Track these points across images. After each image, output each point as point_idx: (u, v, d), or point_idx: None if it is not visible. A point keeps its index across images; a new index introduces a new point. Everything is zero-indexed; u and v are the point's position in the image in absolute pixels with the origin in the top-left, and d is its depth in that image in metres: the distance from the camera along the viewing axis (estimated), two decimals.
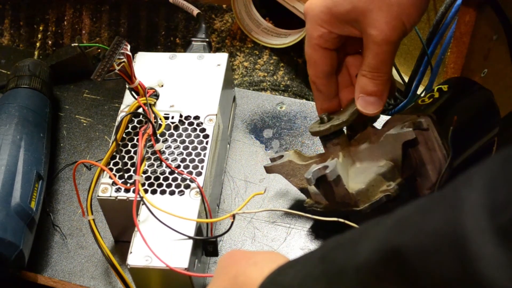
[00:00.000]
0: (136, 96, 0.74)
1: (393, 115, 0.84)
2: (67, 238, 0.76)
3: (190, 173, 0.70)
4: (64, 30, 0.99)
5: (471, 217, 0.35)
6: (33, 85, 0.83)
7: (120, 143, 0.72)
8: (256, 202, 0.77)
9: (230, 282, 0.54)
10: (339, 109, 0.71)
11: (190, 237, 0.65)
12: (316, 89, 0.70)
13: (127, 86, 0.74)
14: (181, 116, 0.74)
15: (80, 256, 0.75)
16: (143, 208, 0.68)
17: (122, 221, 0.71)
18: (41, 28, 0.99)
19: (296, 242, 0.74)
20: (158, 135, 0.72)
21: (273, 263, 0.52)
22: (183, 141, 0.73)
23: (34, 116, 0.79)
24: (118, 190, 0.69)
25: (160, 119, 0.73)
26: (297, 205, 0.76)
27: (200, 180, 0.69)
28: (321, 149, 0.81)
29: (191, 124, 0.74)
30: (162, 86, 0.77)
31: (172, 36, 0.98)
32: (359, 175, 0.68)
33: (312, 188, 0.68)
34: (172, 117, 0.74)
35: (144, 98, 0.73)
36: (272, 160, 0.73)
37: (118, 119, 0.74)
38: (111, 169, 0.71)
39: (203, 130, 0.73)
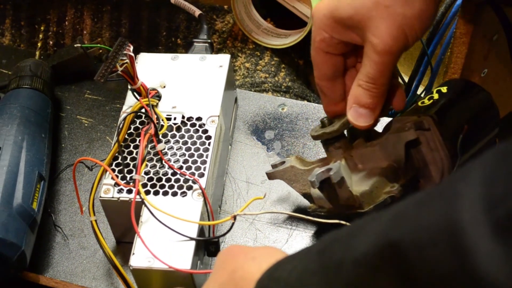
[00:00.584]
0: (139, 97, 0.74)
1: (393, 116, 0.85)
2: (69, 238, 0.76)
3: (193, 174, 0.70)
4: (65, 30, 0.99)
5: (467, 211, 0.35)
6: (35, 86, 0.83)
7: (122, 144, 0.72)
8: (258, 203, 0.77)
9: (228, 276, 0.54)
10: (345, 112, 0.71)
11: (192, 238, 0.65)
12: (321, 91, 0.70)
13: (129, 87, 0.74)
14: (183, 117, 0.74)
15: (81, 257, 0.75)
16: (145, 209, 0.68)
17: (124, 222, 0.71)
18: (42, 28, 0.99)
19: (298, 244, 0.74)
20: (160, 136, 0.72)
21: (271, 258, 0.52)
22: (185, 142, 0.73)
23: (35, 116, 0.79)
24: (120, 191, 0.69)
25: (162, 120, 0.73)
26: (299, 207, 0.76)
27: (202, 181, 0.69)
28: (322, 151, 0.81)
29: (193, 125, 0.74)
30: (164, 87, 0.78)
31: (173, 37, 0.98)
32: (362, 177, 0.68)
33: (316, 193, 0.68)
34: (175, 118, 0.74)
35: (146, 99, 0.73)
36: (274, 166, 0.73)
37: (120, 119, 0.74)
38: (113, 170, 0.71)
39: (205, 131, 0.73)
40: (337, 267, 0.43)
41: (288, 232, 0.75)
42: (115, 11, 0.99)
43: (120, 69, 0.69)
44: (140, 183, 0.68)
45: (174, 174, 0.70)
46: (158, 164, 0.71)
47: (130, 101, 0.76)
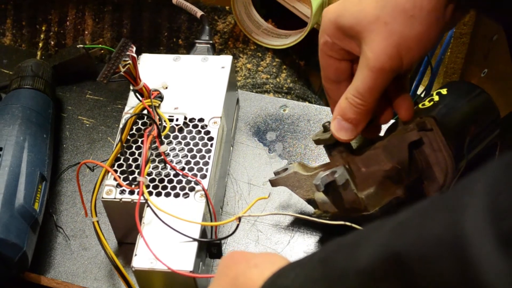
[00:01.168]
0: (141, 98, 0.74)
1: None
2: (70, 239, 0.76)
3: (195, 175, 0.70)
4: (66, 30, 0.99)
5: (472, 223, 0.35)
6: (36, 86, 0.83)
7: (125, 145, 0.72)
8: (260, 205, 0.77)
9: (231, 283, 0.54)
10: None
11: (195, 239, 0.65)
12: (326, 92, 0.69)
13: (131, 88, 0.74)
14: (185, 118, 0.74)
15: (83, 257, 0.75)
16: (147, 210, 0.68)
17: (126, 223, 0.71)
18: (43, 28, 0.98)
19: (300, 245, 0.74)
20: (162, 137, 0.72)
21: (273, 265, 0.52)
22: (187, 144, 0.73)
23: (37, 117, 0.79)
24: (122, 192, 0.69)
25: (165, 121, 0.73)
26: (302, 208, 0.76)
27: (204, 182, 0.69)
28: (324, 153, 0.81)
29: (195, 126, 0.74)
30: (166, 88, 0.77)
31: (175, 37, 0.97)
32: (366, 180, 0.68)
33: (320, 197, 0.68)
34: (177, 119, 0.74)
35: (148, 100, 0.73)
36: (276, 173, 0.73)
37: (123, 121, 0.74)
38: (115, 171, 0.70)
39: (207, 132, 0.73)
40: (340, 277, 0.43)
41: (290, 234, 0.75)
42: (117, 12, 0.98)
43: (122, 70, 0.69)
44: (144, 185, 0.68)
45: (176, 175, 0.70)
46: (160, 165, 0.71)
47: (132, 102, 0.76)
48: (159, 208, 0.66)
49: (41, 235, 0.74)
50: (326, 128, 0.70)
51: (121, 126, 0.74)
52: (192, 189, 0.69)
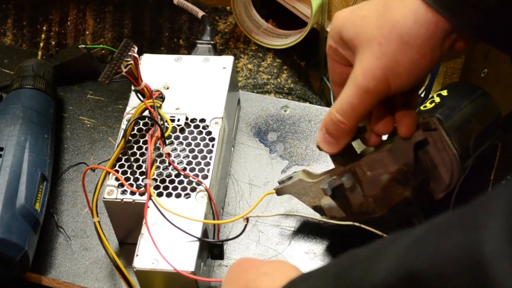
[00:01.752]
0: (142, 98, 0.74)
1: None
2: (71, 239, 0.76)
3: (196, 176, 0.70)
4: (67, 30, 0.99)
5: (491, 243, 0.34)
6: (37, 86, 0.83)
7: (126, 145, 0.72)
8: (262, 206, 0.77)
9: None
10: None
11: (199, 239, 0.65)
12: (333, 94, 0.69)
13: (132, 88, 0.74)
14: (187, 118, 0.74)
15: (84, 257, 0.75)
16: (149, 212, 0.68)
17: (127, 224, 0.71)
18: (44, 28, 0.98)
19: (301, 245, 0.74)
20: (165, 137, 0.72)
21: (283, 273, 0.52)
22: (189, 144, 0.73)
23: (38, 117, 0.79)
24: (124, 192, 0.69)
25: (167, 121, 0.73)
26: (304, 207, 0.75)
27: (206, 183, 0.69)
28: (325, 153, 0.81)
29: (197, 126, 0.74)
30: (167, 88, 0.77)
31: (176, 38, 0.97)
32: (372, 183, 0.67)
33: (327, 203, 0.68)
34: (178, 120, 0.74)
35: (150, 100, 0.73)
36: (281, 182, 0.72)
37: (124, 121, 0.74)
38: (116, 172, 0.70)
39: (209, 133, 0.73)
40: None
41: (291, 234, 0.75)
42: (118, 12, 0.98)
43: (124, 70, 0.69)
44: (152, 187, 0.68)
45: (178, 175, 0.70)
46: (162, 166, 0.71)
47: (134, 102, 0.76)
48: (164, 207, 0.66)
49: (42, 235, 0.74)
50: None
51: (122, 127, 0.74)
52: (193, 189, 0.69)
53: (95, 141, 0.85)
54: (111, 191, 0.69)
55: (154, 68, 0.79)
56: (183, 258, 0.65)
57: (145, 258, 0.65)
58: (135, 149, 0.72)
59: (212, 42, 0.86)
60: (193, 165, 0.71)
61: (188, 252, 0.65)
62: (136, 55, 0.70)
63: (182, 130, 0.74)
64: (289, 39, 0.95)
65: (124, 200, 0.69)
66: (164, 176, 0.70)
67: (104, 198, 0.69)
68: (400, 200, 0.66)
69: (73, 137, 0.85)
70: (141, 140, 0.73)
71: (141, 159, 0.72)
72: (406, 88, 0.61)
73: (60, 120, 0.87)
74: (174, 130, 0.74)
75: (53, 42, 0.98)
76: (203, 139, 0.73)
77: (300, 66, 1.00)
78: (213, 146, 0.72)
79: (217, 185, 0.73)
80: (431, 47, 0.58)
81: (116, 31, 0.98)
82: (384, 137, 0.72)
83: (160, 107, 0.75)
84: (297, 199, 0.72)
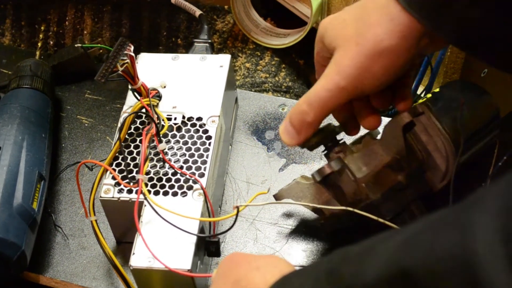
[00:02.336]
0: (139, 97, 0.74)
1: (393, 115, 0.85)
2: (69, 238, 0.76)
3: (193, 174, 0.70)
4: (65, 30, 0.99)
5: (483, 243, 0.34)
6: (35, 86, 0.83)
7: (123, 143, 0.72)
8: (259, 201, 0.77)
9: (232, 286, 0.54)
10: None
11: (194, 235, 0.65)
12: None
13: (129, 87, 0.74)
14: (183, 117, 0.74)
15: (81, 257, 0.75)
16: (145, 210, 0.68)
17: (124, 222, 0.71)
18: (42, 28, 0.99)
19: (298, 243, 0.74)
20: (161, 136, 0.72)
21: (275, 268, 0.52)
22: (185, 142, 0.73)
23: (36, 116, 0.79)
24: (120, 191, 0.69)
25: (163, 120, 0.73)
26: (298, 208, 0.75)
27: (203, 181, 0.69)
28: (321, 152, 0.81)
29: (193, 125, 0.74)
30: (164, 87, 0.77)
31: (174, 37, 0.98)
32: (366, 172, 0.67)
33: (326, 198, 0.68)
34: (175, 118, 0.74)
35: (147, 99, 0.73)
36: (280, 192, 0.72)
37: (121, 120, 0.74)
38: (114, 170, 0.70)
39: (205, 131, 0.73)
40: None
41: (288, 232, 0.75)
42: (116, 11, 0.99)
43: (120, 69, 0.69)
44: (143, 183, 0.68)
45: (174, 174, 0.70)
46: (158, 164, 0.71)
47: (131, 101, 0.76)
48: (158, 205, 0.66)
49: (39, 235, 0.74)
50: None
51: (119, 125, 0.74)
52: (190, 187, 0.69)
53: (93, 140, 0.85)
54: (108, 189, 0.70)
55: (151, 67, 0.80)
56: (180, 256, 0.65)
57: (142, 256, 0.65)
58: (132, 148, 0.72)
59: (210, 40, 0.86)
60: (190, 164, 0.71)
61: (185, 250, 0.65)
62: (133, 54, 0.70)
63: (179, 129, 0.74)
64: (288, 39, 0.95)
65: (121, 198, 0.69)
66: (161, 174, 0.70)
67: (101, 197, 0.69)
68: (393, 185, 0.66)
69: (71, 136, 0.85)
70: (138, 139, 0.73)
71: (138, 157, 0.72)
72: (383, 87, 0.62)
73: (58, 119, 0.87)
74: (171, 128, 0.74)
75: (51, 42, 0.98)
76: (200, 137, 0.73)
77: (298, 65, 1.00)
78: (210, 144, 0.72)
79: (214, 184, 0.73)
80: (406, 47, 0.59)
81: (114, 30, 0.98)
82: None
83: (157, 105, 0.75)
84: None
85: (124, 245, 0.74)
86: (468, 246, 0.35)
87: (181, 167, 0.71)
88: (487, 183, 0.74)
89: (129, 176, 0.70)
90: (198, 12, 0.90)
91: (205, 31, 0.87)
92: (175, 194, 0.69)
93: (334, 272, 0.44)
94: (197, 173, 0.70)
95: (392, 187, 0.66)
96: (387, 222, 0.64)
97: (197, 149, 0.72)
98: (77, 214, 0.78)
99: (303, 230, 0.75)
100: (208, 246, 0.68)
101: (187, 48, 0.92)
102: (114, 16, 0.98)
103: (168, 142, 0.73)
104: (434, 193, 0.69)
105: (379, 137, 0.70)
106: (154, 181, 0.70)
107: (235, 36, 0.98)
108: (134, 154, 0.72)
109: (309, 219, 0.73)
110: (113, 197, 0.69)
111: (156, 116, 0.73)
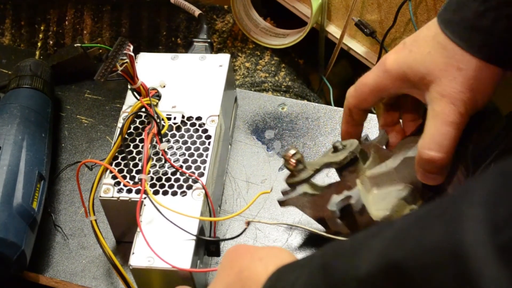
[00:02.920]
0: (139, 97, 0.74)
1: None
2: (69, 238, 0.76)
3: (193, 173, 0.70)
4: (65, 30, 0.99)
5: (471, 234, 0.35)
6: (35, 85, 0.83)
7: (123, 143, 0.72)
8: (260, 202, 0.76)
9: (235, 276, 0.54)
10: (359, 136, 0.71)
11: (194, 235, 0.65)
12: (349, 113, 0.70)
13: (129, 87, 0.74)
14: (183, 116, 0.74)
15: (81, 256, 0.75)
16: (145, 209, 0.68)
17: (124, 222, 0.71)
18: (42, 28, 0.99)
19: (298, 243, 0.74)
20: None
21: (277, 258, 0.52)
22: (185, 142, 0.73)
23: (35, 116, 0.79)
24: (120, 190, 0.69)
25: (163, 119, 0.73)
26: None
27: (202, 180, 0.69)
28: (322, 151, 0.81)
29: (193, 124, 0.74)
30: (164, 86, 0.78)
31: (174, 37, 0.98)
32: (379, 201, 0.66)
33: (333, 220, 0.67)
34: (174, 118, 0.74)
35: (146, 98, 0.73)
36: (284, 193, 0.70)
37: (121, 120, 0.74)
38: (114, 169, 0.71)
39: (205, 130, 0.73)
40: (341, 285, 0.43)
41: (288, 232, 0.75)
42: (115, 11, 0.99)
43: (120, 68, 0.69)
44: (147, 182, 0.68)
45: (174, 173, 0.70)
46: (158, 164, 0.71)
47: (130, 101, 0.76)
48: (161, 204, 0.66)
49: (39, 234, 0.74)
50: (336, 149, 0.68)
51: (119, 125, 0.74)
52: (190, 187, 0.69)
53: (92, 140, 0.85)
54: (108, 189, 0.70)
55: (151, 67, 0.80)
56: (179, 256, 0.65)
57: (141, 256, 0.65)
58: (131, 147, 0.72)
59: (209, 40, 0.86)
60: (190, 163, 0.71)
61: (184, 249, 0.65)
62: (132, 54, 0.70)
63: (178, 128, 0.74)
64: (288, 39, 0.95)
65: (121, 198, 0.69)
66: (160, 174, 0.70)
67: (100, 196, 0.69)
68: None
69: (71, 136, 0.85)
70: (138, 139, 0.73)
71: (137, 157, 0.72)
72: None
73: (58, 119, 0.87)
74: (170, 128, 0.74)
75: (51, 42, 0.98)
76: (200, 137, 0.73)
77: (298, 64, 1.00)
78: (209, 144, 0.72)
79: (214, 183, 0.73)
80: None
81: (114, 30, 0.98)
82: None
83: (156, 105, 0.75)
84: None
85: (123, 245, 0.74)
86: (457, 237, 0.35)
87: (181, 167, 0.71)
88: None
89: (129, 176, 0.70)
90: (197, 11, 0.90)
91: (205, 30, 0.87)
92: (175, 193, 0.69)
93: (328, 267, 0.44)
94: (196, 172, 0.70)
95: None
96: None
97: (197, 149, 0.72)
98: (77, 214, 0.78)
99: (303, 229, 0.75)
100: (208, 245, 0.69)
101: (186, 47, 0.92)
102: (113, 16, 0.99)
103: (167, 141, 0.73)
104: None
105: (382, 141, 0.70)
106: (154, 181, 0.70)
107: (235, 35, 0.98)
108: (134, 154, 0.72)
109: (309, 218, 0.73)
110: (112, 197, 0.69)
111: (156, 115, 0.73)
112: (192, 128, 0.74)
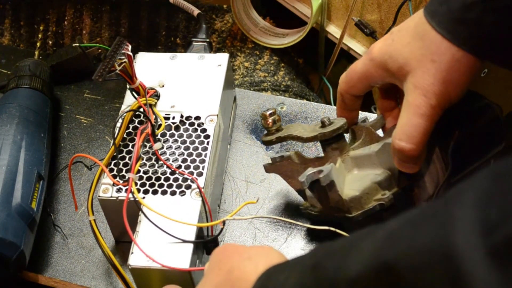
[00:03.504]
0: (137, 96, 0.74)
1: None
2: (68, 238, 0.76)
3: (191, 173, 0.70)
4: (64, 30, 0.99)
5: (462, 235, 0.35)
6: (34, 85, 0.83)
7: (121, 143, 0.72)
8: (259, 203, 0.77)
9: (224, 277, 0.54)
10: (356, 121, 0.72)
11: (184, 241, 0.65)
12: (342, 99, 0.71)
13: (128, 87, 0.74)
14: (182, 116, 0.74)
15: (81, 256, 0.75)
16: (144, 208, 0.68)
17: (123, 222, 0.71)
18: (41, 28, 0.99)
19: (297, 242, 0.74)
20: (158, 135, 0.72)
21: (266, 258, 0.52)
22: (184, 142, 0.73)
23: (34, 116, 0.79)
24: (119, 190, 0.69)
25: (160, 119, 0.73)
26: (296, 207, 0.75)
27: (201, 180, 0.69)
28: (321, 150, 0.81)
29: (192, 124, 0.74)
30: (163, 86, 0.77)
31: (173, 36, 0.98)
32: (355, 182, 0.67)
33: (308, 191, 0.68)
34: (173, 118, 0.74)
35: (144, 98, 0.73)
36: (273, 160, 0.73)
37: (120, 120, 0.74)
38: (112, 169, 0.71)
39: (204, 130, 0.73)
40: (332, 285, 0.43)
41: (287, 231, 0.75)
42: (114, 11, 0.99)
43: (118, 68, 0.69)
44: (134, 181, 0.68)
45: (172, 173, 0.70)
46: (156, 164, 0.71)
47: (129, 101, 0.76)
48: (152, 209, 0.66)
49: (38, 234, 0.74)
50: (323, 124, 0.70)
51: (117, 125, 0.74)
52: (188, 187, 0.69)
53: (91, 139, 0.85)
54: (106, 189, 0.70)
55: (149, 66, 0.80)
56: (178, 256, 0.65)
57: (140, 255, 0.65)
58: (130, 147, 0.72)
59: (208, 40, 0.86)
60: (188, 163, 0.71)
61: (183, 249, 0.65)
62: (130, 53, 0.70)
63: (177, 128, 0.74)
64: (287, 39, 0.95)
65: (119, 198, 0.69)
66: (159, 174, 0.70)
67: (99, 196, 0.69)
68: (376, 205, 0.66)
69: (70, 136, 0.85)
70: (136, 138, 0.73)
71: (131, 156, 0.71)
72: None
73: (57, 119, 0.87)
74: (169, 128, 0.74)
75: (50, 42, 0.98)
76: (198, 136, 0.73)
77: (298, 64, 1.00)
78: (208, 143, 0.72)
79: (213, 183, 0.73)
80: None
81: (113, 30, 0.98)
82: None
83: (155, 105, 0.75)
84: (287, 197, 0.72)
85: (123, 245, 0.74)
86: (448, 238, 0.35)
87: (179, 167, 0.71)
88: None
89: (121, 174, 0.70)
90: (196, 11, 0.90)
91: (203, 30, 0.87)
92: (173, 193, 0.69)
93: (319, 267, 0.44)
94: (195, 172, 0.70)
95: (374, 207, 0.66)
96: None
97: (196, 148, 0.72)
98: (76, 213, 0.78)
99: (302, 229, 0.75)
100: (206, 244, 0.68)
101: (185, 47, 0.92)
102: (112, 16, 0.98)
103: (166, 141, 0.73)
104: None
105: (379, 130, 0.70)
106: (153, 181, 0.70)
107: (234, 35, 0.98)
108: (132, 154, 0.72)
109: (308, 217, 0.73)
110: (111, 197, 0.69)
111: (153, 115, 0.73)
112: (191, 128, 0.74)
